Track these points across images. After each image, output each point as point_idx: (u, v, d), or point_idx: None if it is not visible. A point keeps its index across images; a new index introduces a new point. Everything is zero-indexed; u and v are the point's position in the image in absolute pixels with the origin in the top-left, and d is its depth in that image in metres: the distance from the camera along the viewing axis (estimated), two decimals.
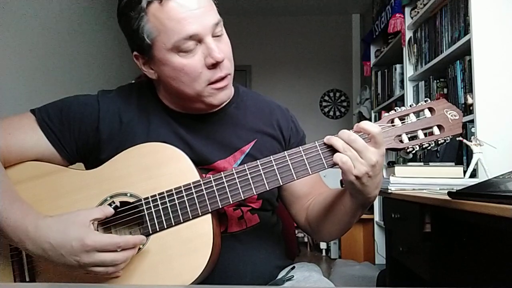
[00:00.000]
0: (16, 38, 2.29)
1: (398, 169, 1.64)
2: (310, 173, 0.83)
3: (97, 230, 0.84)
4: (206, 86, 0.88)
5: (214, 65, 0.86)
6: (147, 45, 0.86)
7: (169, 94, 0.94)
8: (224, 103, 0.96)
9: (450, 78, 2.22)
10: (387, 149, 0.83)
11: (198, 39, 0.84)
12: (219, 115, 0.97)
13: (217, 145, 0.95)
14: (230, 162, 0.94)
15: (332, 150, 0.82)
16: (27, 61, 2.40)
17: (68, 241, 0.76)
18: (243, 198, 0.83)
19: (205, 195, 0.83)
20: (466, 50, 1.98)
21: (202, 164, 0.92)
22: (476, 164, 1.60)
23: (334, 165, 0.81)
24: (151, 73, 0.92)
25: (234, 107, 0.99)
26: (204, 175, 0.88)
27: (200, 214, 0.82)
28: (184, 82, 0.87)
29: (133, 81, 0.95)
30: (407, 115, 0.85)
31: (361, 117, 4.29)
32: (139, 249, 0.82)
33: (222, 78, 0.88)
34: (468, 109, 1.98)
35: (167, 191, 0.83)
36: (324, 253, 4.17)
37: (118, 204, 0.83)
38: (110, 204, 0.83)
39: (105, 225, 0.86)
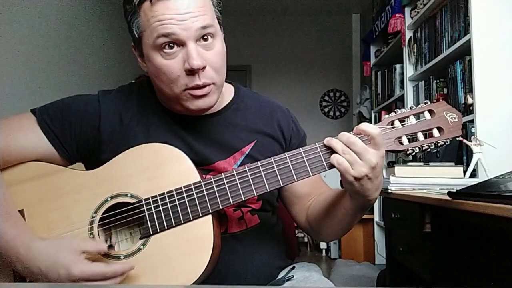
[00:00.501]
0: (16, 38, 2.29)
1: (398, 169, 1.64)
2: (311, 174, 0.83)
3: (97, 232, 0.84)
4: (184, 90, 0.87)
5: (191, 72, 0.84)
6: (137, 39, 0.88)
7: (158, 91, 0.95)
8: (209, 110, 0.93)
9: (450, 78, 2.22)
10: (387, 151, 0.83)
11: (181, 43, 0.83)
12: (219, 116, 0.97)
13: (217, 146, 0.95)
14: (230, 163, 0.94)
15: (332, 152, 0.82)
16: (27, 61, 2.40)
17: (56, 268, 0.75)
18: (243, 199, 0.83)
19: (206, 196, 0.83)
20: (466, 50, 1.98)
21: (202, 165, 0.92)
22: (476, 164, 1.60)
23: (334, 166, 0.81)
24: (144, 66, 0.93)
25: (234, 108, 0.99)
26: (204, 176, 0.88)
27: (200, 214, 0.82)
28: (163, 81, 0.87)
29: (133, 81, 0.94)
30: (407, 117, 0.85)
31: (361, 117, 4.29)
32: (139, 249, 0.82)
33: (200, 87, 0.86)
34: (468, 109, 1.98)
35: (167, 192, 0.83)
36: (324, 253, 4.17)
37: (114, 245, 0.82)
38: (106, 239, 0.81)
39: (106, 225, 0.86)
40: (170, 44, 0.83)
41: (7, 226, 0.79)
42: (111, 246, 0.81)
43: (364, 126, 0.80)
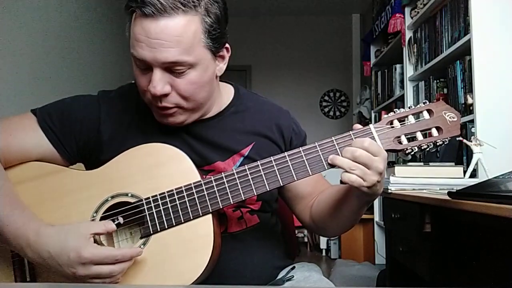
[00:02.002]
0: (16, 38, 2.29)
1: (398, 169, 1.64)
2: (310, 174, 0.83)
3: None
4: (151, 104, 0.89)
5: (152, 95, 0.85)
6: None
7: None
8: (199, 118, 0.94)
9: (450, 78, 2.23)
10: (387, 150, 0.84)
11: (148, 65, 0.83)
12: (217, 118, 0.97)
13: (216, 149, 0.95)
14: (229, 165, 0.94)
15: (333, 151, 0.82)
16: (28, 61, 2.40)
17: (66, 251, 0.76)
18: (243, 198, 0.84)
19: (206, 196, 0.83)
20: (466, 50, 1.98)
21: (202, 166, 0.92)
22: (476, 164, 1.60)
23: (334, 166, 0.82)
24: None
25: (233, 110, 0.99)
26: (204, 176, 0.88)
27: (200, 214, 0.82)
28: (139, 89, 0.89)
29: (133, 81, 0.95)
30: (406, 116, 0.86)
31: (361, 117, 4.29)
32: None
33: (162, 108, 0.87)
34: (468, 109, 1.98)
35: (168, 191, 0.84)
36: (324, 253, 4.17)
37: (122, 222, 0.83)
38: (113, 220, 0.82)
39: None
40: (141, 62, 0.84)
41: (15, 214, 0.80)
42: (118, 221, 0.82)
43: (357, 143, 0.80)
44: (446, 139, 0.85)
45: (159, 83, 0.83)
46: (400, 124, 0.85)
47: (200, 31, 0.83)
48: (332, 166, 0.82)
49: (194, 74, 0.85)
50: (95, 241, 0.80)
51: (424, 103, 0.87)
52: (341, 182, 0.81)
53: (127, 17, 0.86)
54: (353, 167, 0.79)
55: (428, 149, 0.85)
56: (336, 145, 0.83)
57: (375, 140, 0.83)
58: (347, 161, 0.80)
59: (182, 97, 0.86)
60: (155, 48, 0.81)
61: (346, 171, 0.79)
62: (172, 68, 0.83)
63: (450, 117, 0.85)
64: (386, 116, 0.87)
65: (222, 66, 0.93)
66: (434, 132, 0.85)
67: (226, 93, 1.01)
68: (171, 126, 0.91)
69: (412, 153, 0.85)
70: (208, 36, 0.85)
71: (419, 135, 0.85)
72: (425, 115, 0.85)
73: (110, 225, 0.80)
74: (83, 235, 0.77)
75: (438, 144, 0.85)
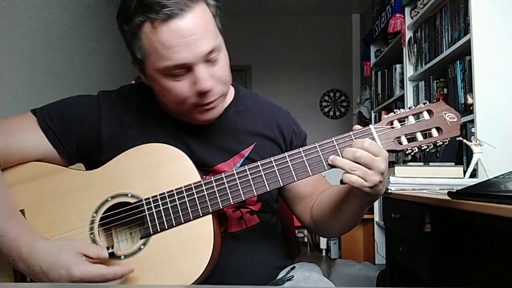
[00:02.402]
0: (16, 38, 2.29)
1: (398, 169, 1.65)
2: (311, 174, 0.83)
3: (98, 232, 0.84)
4: (193, 108, 0.87)
5: (202, 93, 0.84)
6: (139, 59, 0.86)
7: (159, 101, 0.95)
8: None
9: (450, 78, 2.23)
10: (387, 151, 0.84)
11: (187, 67, 0.82)
12: (218, 119, 0.97)
13: (216, 149, 0.95)
14: (230, 165, 0.94)
15: (333, 152, 0.82)
16: (28, 61, 2.40)
17: (57, 268, 0.76)
18: (243, 198, 0.83)
19: (206, 196, 0.83)
20: (466, 50, 1.98)
21: (202, 167, 0.92)
22: (476, 164, 1.61)
23: (334, 166, 0.81)
24: (146, 79, 0.92)
25: (234, 110, 0.99)
26: (204, 176, 0.88)
27: (201, 214, 0.82)
28: (171, 100, 0.87)
29: (133, 81, 0.94)
30: (406, 117, 0.86)
31: (361, 117, 4.29)
32: (140, 249, 0.82)
33: (210, 103, 0.87)
34: (468, 109, 1.98)
35: (168, 192, 0.84)
36: (324, 253, 4.17)
37: (116, 253, 0.82)
38: (108, 248, 0.80)
39: (106, 225, 0.86)
40: (178, 70, 0.82)
41: (9, 225, 0.80)
42: (112, 250, 0.81)
43: (358, 144, 0.80)
44: (446, 140, 0.85)
45: (207, 77, 0.83)
46: (400, 125, 0.85)
47: (210, 15, 0.85)
48: (332, 166, 0.82)
49: (223, 56, 0.87)
50: (93, 241, 0.80)
51: (424, 103, 0.87)
52: (342, 182, 0.81)
53: (134, 34, 0.82)
54: (354, 167, 0.79)
55: (428, 149, 0.85)
56: (336, 145, 0.83)
57: (375, 141, 0.83)
58: (348, 162, 0.79)
59: (223, 83, 0.87)
60: (193, 45, 0.80)
61: (347, 172, 0.79)
62: (208, 59, 0.83)
63: (450, 118, 0.85)
64: (386, 116, 0.87)
65: None
66: (434, 132, 0.85)
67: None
68: (193, 124, 0.92)
69: (412, 153, 0.85)
70: (216, 18, 0.87)
71: (419, 136, 0.85)
72: (425, 115, 0.85)
73: (103, 252, 0.79)
74: (76, 252, 0.77)
75: (438, 144, 0.85)
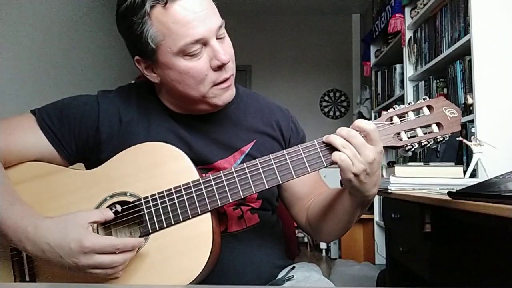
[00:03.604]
0: (16, 38, 2.29)
1: (398, 169, 1.64)
2: (309, 171, 0.83)
3: (97, 230, 0.84)
4: (211, 87, 0.88)
5: (220, 67, 0.86)
6: (151, 49, 0.85)
7: (172, 96, 0.94)
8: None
9: (450, 78, 2.22)
10: (387, 147, 0.83)
11: (204, 42, 0.84)
12: (219, 115, 0.97)
13: (217, 145, 0.95)
14: (230, 162, 0.94)
15: (331, 148, 0.82)
16: (28, 61, 2.40)
17: (66, 242, 0.76)
18: (242, 196, 0.83)
19: (205, 194, 0.83)
20: (466, 50, 1.98)
21: (202, 164, 0.92)
22: (476, 164, 1.60)
23: (333, 163, 0.81)
24: (153, 77, 0.91)
25: (234, 107, 0.99)
26: (203, 174, 0.88)
27: (199, 213, 0.82)
28: (189, 85, 0.87)
29: (133, 81, 0.95)
30: (406, 113, 0.85)
31: (361, 117, 4.27)
32: (138, 248, 0.82)
33: (227, 79, 0.89)
34: (468, 109, 1.97)
35: (166, 190, 0.83)
36: (324, 253, 4.17)
37: (119, 209, 0.83)
38: (110, 208, 0.82)
39: (105, 224, 0.86)
40: (195, 46, 0.84)
41: (14, 209, 0.80)
42: (116, 209, 0.82)
43: (359, 122, 0.80)
44: (447, 135, 0.84)
45: (222, 50, 0.85)
46: (400, 121, 0.85)
47: None
48: (331, 163, 0.82)
49: (227, 37, 0.90)
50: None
51: (424, 99, 0.86)
52: (332, 162, 0.80)
53: (144, 23, 0.83)
54: (345, 145, 0.78)
55: (428, 145, 0.84)
56: None
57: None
58: (340, 139, 0.79)
59: (232, 60, 0.89)
60: (206, 19, 0.83)
61: (338, 150, 0.79)
62: (218, 34, 0.86)
63: (450, 113, 0.85)
64: (385, 112, 0.86)
65: None
66: (435, 128, 0.84)
67: None
68: (188, 116, 0.93)
69: (412, 149, 0.84)
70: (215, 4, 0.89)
71: (419, 131, 0.84)
72: (425, 111, 0.85)
73: (107, 213, 0.80)
74: (82, 225, 0.77)
75: (438, 140, 0.84)
